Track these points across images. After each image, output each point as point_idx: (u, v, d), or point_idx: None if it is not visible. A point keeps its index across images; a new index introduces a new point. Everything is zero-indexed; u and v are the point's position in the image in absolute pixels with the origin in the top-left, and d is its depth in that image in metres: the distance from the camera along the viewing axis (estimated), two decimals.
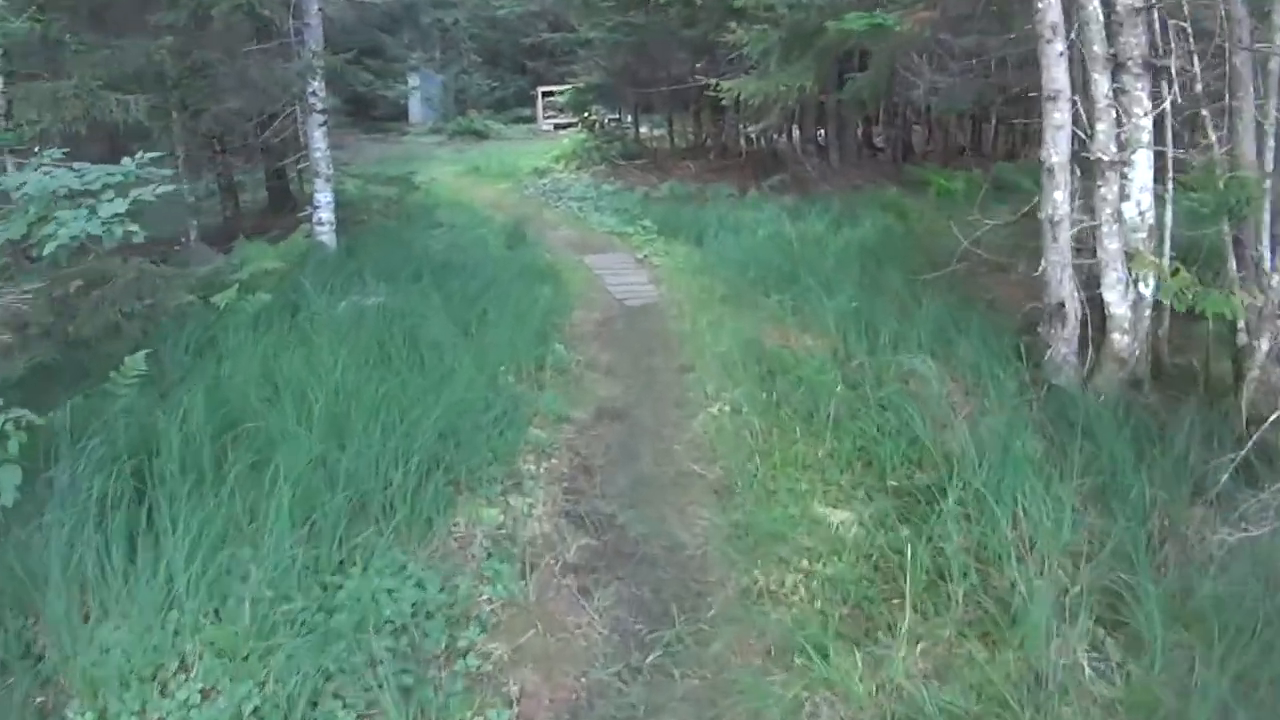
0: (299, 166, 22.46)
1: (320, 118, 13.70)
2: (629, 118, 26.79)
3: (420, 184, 18.92)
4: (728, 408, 7.72)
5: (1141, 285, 7.52)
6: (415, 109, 35.76)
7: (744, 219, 14.61)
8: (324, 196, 13.98)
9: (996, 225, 9.39)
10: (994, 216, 9.51)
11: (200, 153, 16.33)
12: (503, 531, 5.84)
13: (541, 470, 6.87)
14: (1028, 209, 8.44)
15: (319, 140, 13.79)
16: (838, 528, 5.80)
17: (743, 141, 21.73)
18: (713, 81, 11.46)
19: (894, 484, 6.26)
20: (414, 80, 35.77)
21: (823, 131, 20.85)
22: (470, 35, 34.83)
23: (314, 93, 13.51)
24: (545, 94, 32.08)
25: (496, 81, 35.11)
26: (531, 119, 33.86)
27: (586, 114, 25.00)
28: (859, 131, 21.68)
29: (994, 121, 22.98)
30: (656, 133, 25.40)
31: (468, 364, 7.83)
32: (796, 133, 21.36)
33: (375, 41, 17.86)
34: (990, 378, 7.46)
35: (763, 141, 21.32)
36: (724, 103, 12.02)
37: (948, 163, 21.45)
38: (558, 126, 31.10)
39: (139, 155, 5.89)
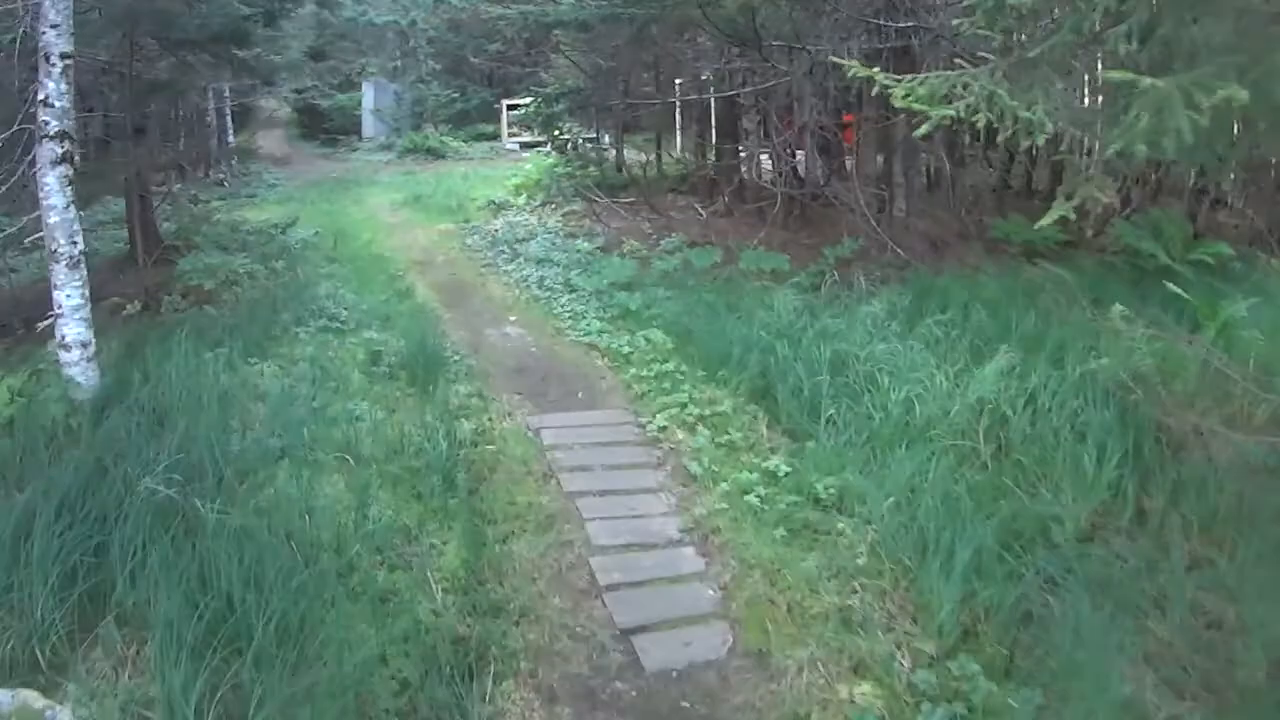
0: (164, 191, 14.85)
1: (54, 149, 6.28)
2: (607, 138, 19.15)
3: (301, 241, 11.49)
4: None
5: None
6: (368, 122, 27.88)
7: (840, 341, 6.94)
8: (69, 296, 6.71)
9: None
10: None
11: None
12: None
13: None
14: None
15: (54, 191, 6.35)
16: None
17: (770, 176, 13.85)
18: (896, 88, 3.58)
19: None
20: (367, 90, 28.04)
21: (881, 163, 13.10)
22: (428, 39, 26.71)
23: (47, 100, 6.05)
24: (511, 108, 24.15)
25: (457, 92, 27.08)
26: (495, 136, 26.05)
27: (557, 132, 17.17)
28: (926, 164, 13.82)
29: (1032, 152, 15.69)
30: (643, 158, 17.59)
31: None
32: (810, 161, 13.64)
33: (232, 29, 9.58)
34: None
35: (796, 177, 13.49)
36: (927, 122, 3.81)
37: (1004, 206, 14.18)
38: (524, 145, 23.71)
39: None
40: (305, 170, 23.23)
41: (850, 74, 4.20)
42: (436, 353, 7.63)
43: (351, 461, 5.60)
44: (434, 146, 24.73)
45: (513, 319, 9.24)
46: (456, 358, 7.84)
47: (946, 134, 13.99)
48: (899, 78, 3.82)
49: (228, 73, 11.49)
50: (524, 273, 10.95)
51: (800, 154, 13.39)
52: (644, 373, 7.22)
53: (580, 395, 7.06)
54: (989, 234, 12.76)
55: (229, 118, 22.26)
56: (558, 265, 10.90)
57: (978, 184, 15.50)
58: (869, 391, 6.05)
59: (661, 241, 11.39)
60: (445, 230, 14.57)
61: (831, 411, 5.82)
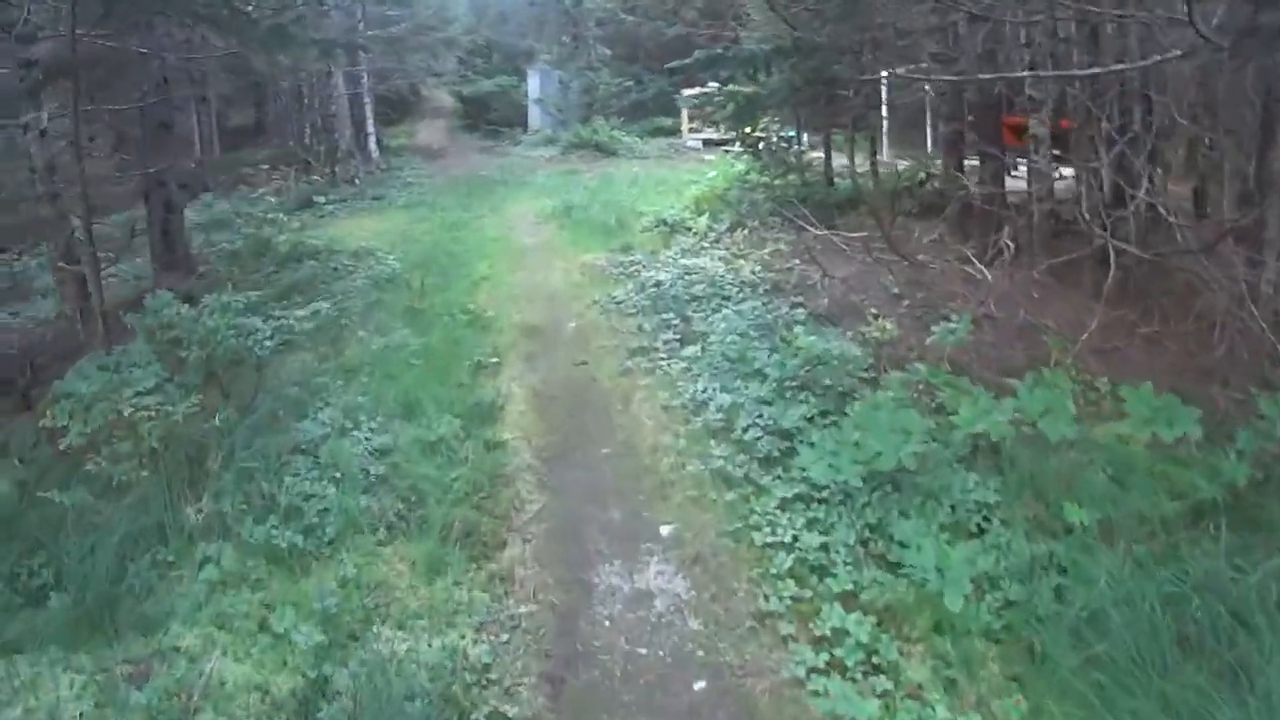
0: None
1: None
2: (805, 137, 13.81)
3: (372, 278, 7.50)
4: None
5: None
6: (533, 114, 23.62)
7: None
8: None
9: None
10: None
11: None
12: None
13: None
14: None
15: None
16: None
17: (1060, 202, 8.17)
18: None
19: None
20: (532, 78, 23.56)
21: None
22: (597, 21, 21.87)
23: None
24: (691, 98, 18.99)
25: (631, 81, 22.13)
26: (674, 131, 21.10)
27: (749, 128, 12.01)
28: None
29: None
30: (852, 164, 12.13)
31: None
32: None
33: None
34: None
35: (1102, 213, 7.65)
36: None
37: None
38: (707, 144, 18.81)
39: None
40: (456, 165, 18.95)
41: None
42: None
43: None
44: (603, 142, 20.05)
45: (665, 530, 4.21)
46: None
47: None
48: None
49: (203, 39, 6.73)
50: (698, 386, 5.88)
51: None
52: None
53: None
54: None
55: (367, 107, 18.02)
56: (760, 377, 5.73)
57: None
58: None
59: (930, 324, 6.09)
60: (593, 265, 9.76)
61: None
